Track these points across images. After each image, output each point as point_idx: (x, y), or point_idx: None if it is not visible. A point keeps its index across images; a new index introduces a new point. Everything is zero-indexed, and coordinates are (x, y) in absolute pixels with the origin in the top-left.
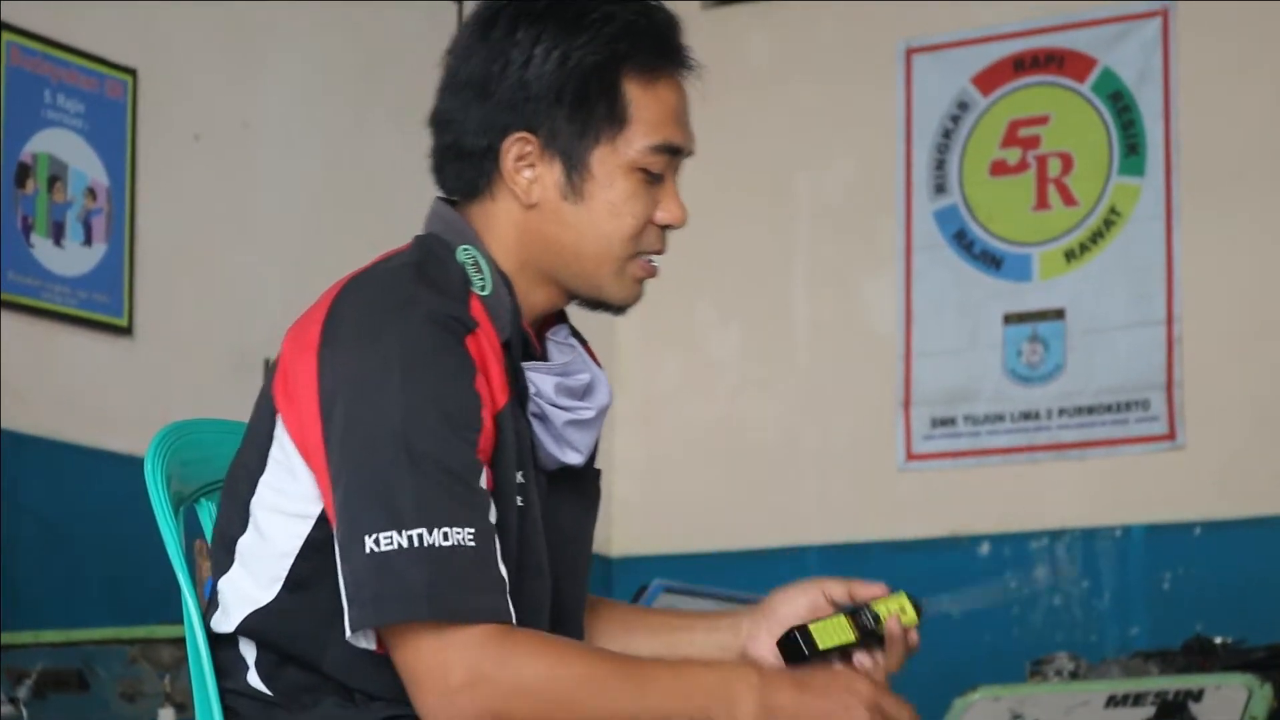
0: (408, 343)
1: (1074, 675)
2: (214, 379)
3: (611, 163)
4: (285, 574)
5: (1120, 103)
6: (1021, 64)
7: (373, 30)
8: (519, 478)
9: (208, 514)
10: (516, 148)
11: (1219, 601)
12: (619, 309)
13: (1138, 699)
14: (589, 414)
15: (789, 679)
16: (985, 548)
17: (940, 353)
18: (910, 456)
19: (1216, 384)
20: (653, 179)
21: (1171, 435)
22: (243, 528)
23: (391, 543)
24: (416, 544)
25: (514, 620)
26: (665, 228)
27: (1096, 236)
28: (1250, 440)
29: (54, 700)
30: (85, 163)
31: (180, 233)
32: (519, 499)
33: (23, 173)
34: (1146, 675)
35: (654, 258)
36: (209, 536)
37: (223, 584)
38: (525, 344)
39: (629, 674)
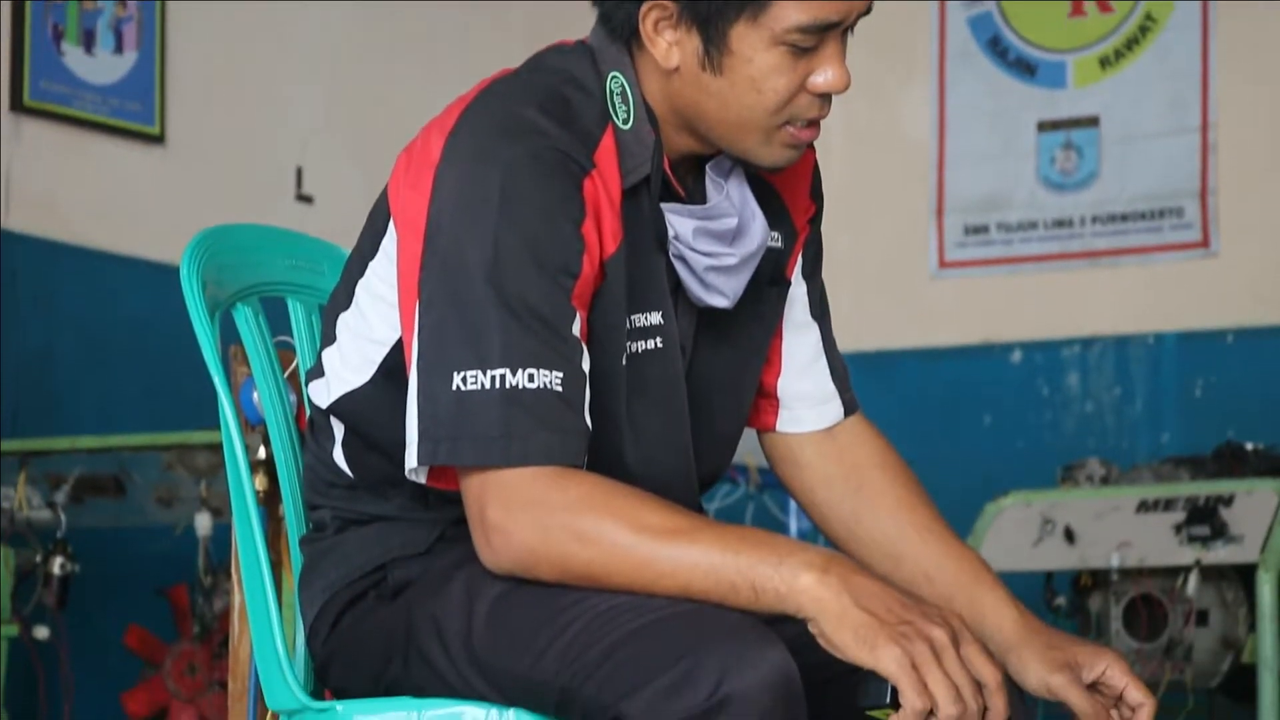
0: (514, 174)
1: (1105, 481)
2: (247, 187)
3: (753, 38)
4: (380, 360)
5: None
6: None
7: None
8: (656, 318)
9: (244, 318)
10: (655, 13)
11: (1251, 408)
12: (770, 170)
13: (1168, 504)
14: (731, 260)
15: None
16: (1017, 355)
17: (973, 160)
18: (943, 264)
19: (1251, 191)
20: (803, 50)
21: (1205, 243)
22: (347, 304)
23: (476, 382)
24: (499, 384)
25: (584, 468)
26: (823, 94)
27: (1132, 43)
28: None
29: (91, 504)
30: None
31: (211, 41)
32: (656, 340)
33: None
34: (1177, 481)
35: (811, 123)
36: (246, 341)
37: (325, 355)
38: (666, 184)
39: (688, 520)
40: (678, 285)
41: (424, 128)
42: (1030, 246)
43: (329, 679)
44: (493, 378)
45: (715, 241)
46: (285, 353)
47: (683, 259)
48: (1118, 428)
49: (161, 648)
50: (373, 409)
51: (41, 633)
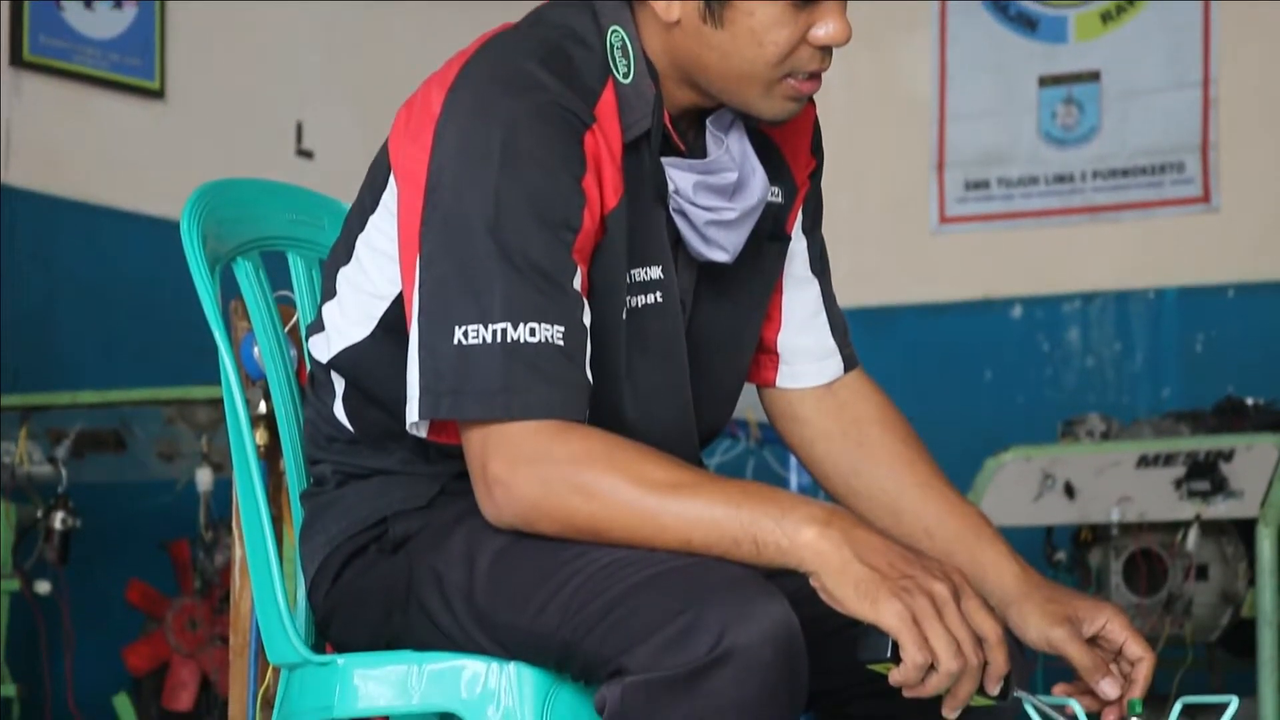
0: (515, 130)
1: (1105, 436)
2: (247, 142)
3: None
4: (380, 314)
5: None
6: None
7: None
8: (656, 273)
9: (244, 273)
10: None
11: (1251, 363)
12: (770, 123)
13: (1169, 459)
14: (731, 215)
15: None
16: (1018, 310)
17: (974, 115)
18: (943, 219)
19: (1252, 146)
20: (804, 2)
21: (1206, 198)
22: (347, 259)
23: (478, 336)
24: (500, 338)
25: (585, 422)
26: (824, 46)
27: None
28: None
29: (92, 459)
30: None
31: None
32: (656, 295)
33: None
34: (1178, 435)
35: (812, 76)
36: (246, 295)
37: (325, 310)
38: (667, 138)
39: (690, 474)
40: (678, 240)
41: (424, 82)
42: (1031, 202)
43: (330, 633)
44: (494, 332)
45: (715, 196)
46: (285, 307)
47: (683, 213)
48: (1118, 383)
49: (162, 602)
50: (373, 363)
51: (43, 587)
